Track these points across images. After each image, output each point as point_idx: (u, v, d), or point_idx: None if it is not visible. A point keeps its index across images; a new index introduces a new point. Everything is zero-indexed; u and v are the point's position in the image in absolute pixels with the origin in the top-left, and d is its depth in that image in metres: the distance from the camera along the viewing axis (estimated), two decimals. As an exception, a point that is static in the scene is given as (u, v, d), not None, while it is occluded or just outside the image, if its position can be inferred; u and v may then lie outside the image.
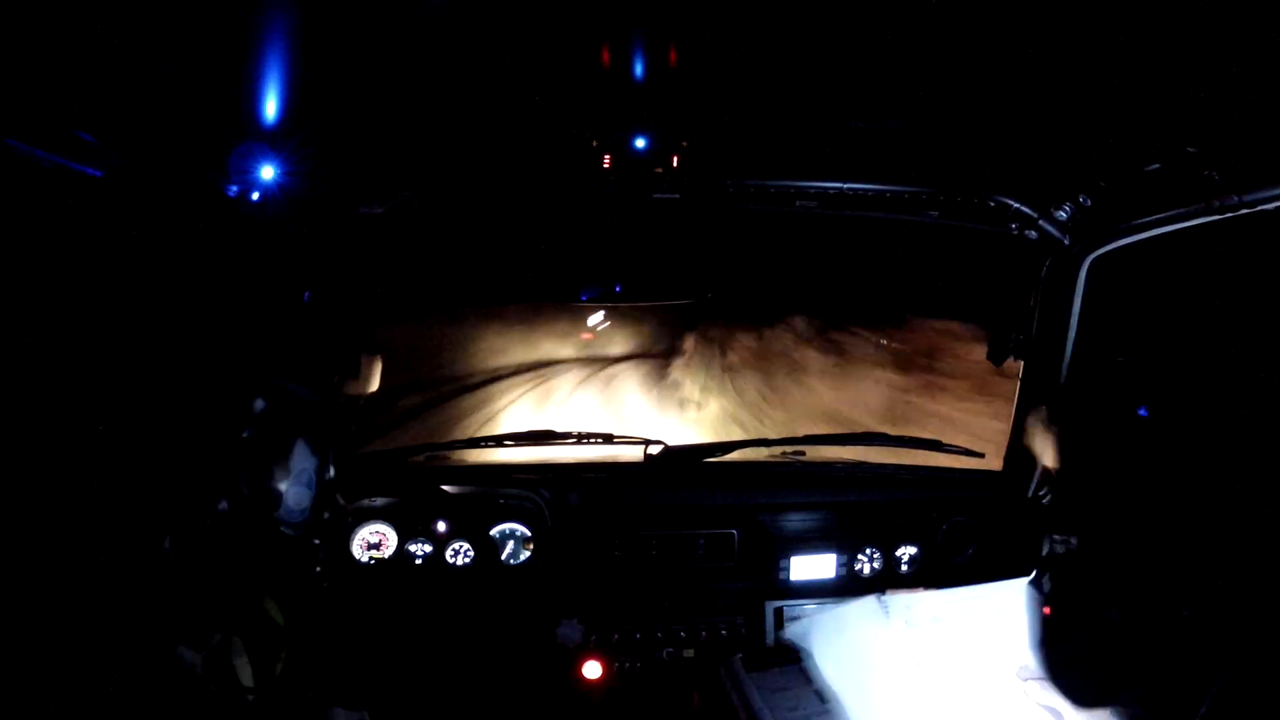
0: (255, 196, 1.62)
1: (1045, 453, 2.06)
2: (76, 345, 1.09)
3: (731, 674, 1.67)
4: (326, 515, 1.21)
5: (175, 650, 1.00)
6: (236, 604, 1.11)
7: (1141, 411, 0.89)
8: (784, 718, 1.58)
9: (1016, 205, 1.91)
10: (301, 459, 1.13)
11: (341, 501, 1.33)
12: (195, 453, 1.04)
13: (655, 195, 1.94)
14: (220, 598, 1.07)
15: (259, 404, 1.10)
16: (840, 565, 2.15)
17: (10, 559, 0.99)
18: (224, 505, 1.03)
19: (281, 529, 1.13)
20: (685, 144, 1.75)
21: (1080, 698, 0.96)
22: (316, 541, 1.17)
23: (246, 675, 1.11)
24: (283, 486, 1.11)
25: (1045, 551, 0.96)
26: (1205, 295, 0.97)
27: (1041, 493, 0.98)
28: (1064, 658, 0.95)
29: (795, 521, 2.21)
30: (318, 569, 1.22)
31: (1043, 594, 0.96)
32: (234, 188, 1.55)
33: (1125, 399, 0.91)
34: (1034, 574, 0.97)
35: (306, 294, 1.31)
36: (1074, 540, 0.91)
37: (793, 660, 1.69)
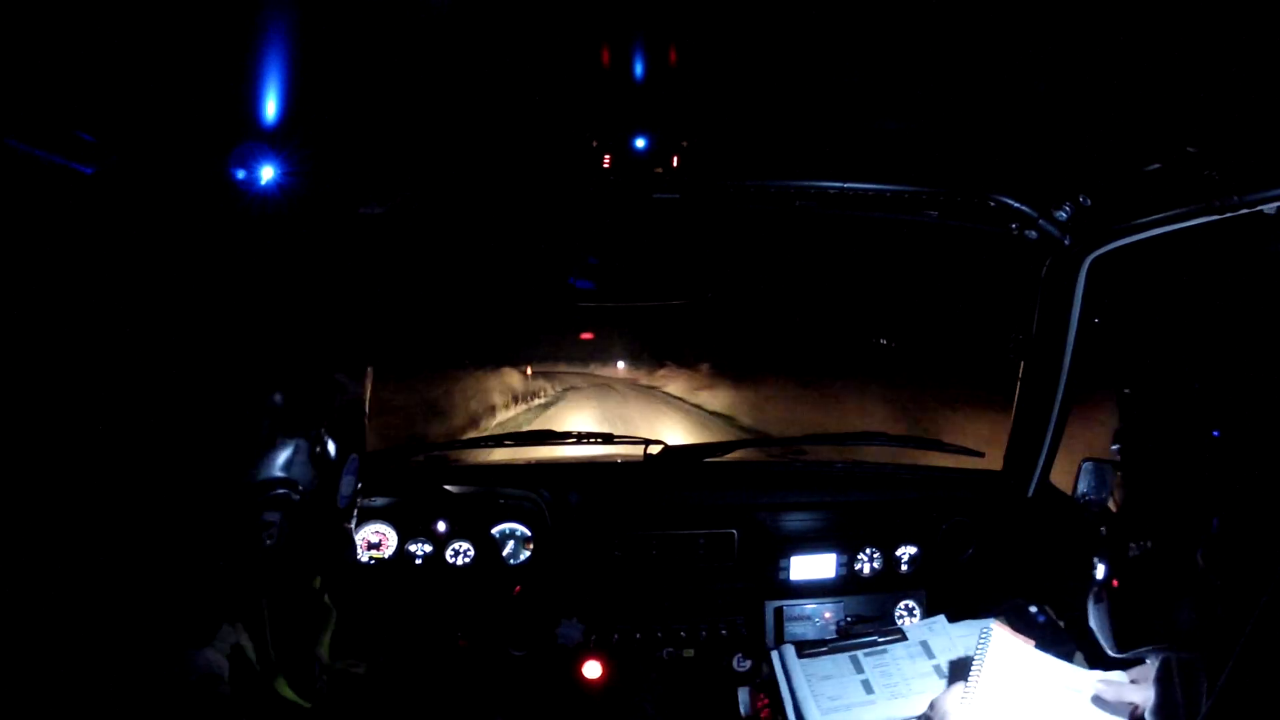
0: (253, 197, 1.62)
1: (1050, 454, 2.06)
2: (90, 340, 1.11)
3: (783, 658, 1.76)
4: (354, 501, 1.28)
5: (194, 656, 1.00)
6: (287, 587, 1.17)
7: (1214, 433, 0.89)
8: (825, 705, 1.64)
9: (1016, 205, 1.91)
10: (350, 447, 1.18)
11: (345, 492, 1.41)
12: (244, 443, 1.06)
13: (655, 195, 1.93)
14: (269, 585, 1.11)
15: (318, 398, 1.14)
16: (840, 565, 2.15)
17: (17, 562, 1.00)
18: (284, 491, 1.06)
19: (338, 512, 1.19)
20: (685, 144, 1.74)
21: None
22: (349, 526, 1.23)
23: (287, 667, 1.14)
24: (340, 473, 1.17)
25: (1122, 555, 0.98)
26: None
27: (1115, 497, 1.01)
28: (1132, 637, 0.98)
29: (795, 521, 2.22)
30: (351, 554, 1.29)
31: (1114, 573, 0.98)
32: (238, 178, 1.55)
33: (1197, 420, 0.91)
34: (1105, 565, 0.99)
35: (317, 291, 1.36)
36: (1150, 543, 0.93)
37: (844, 649, 1.75)
